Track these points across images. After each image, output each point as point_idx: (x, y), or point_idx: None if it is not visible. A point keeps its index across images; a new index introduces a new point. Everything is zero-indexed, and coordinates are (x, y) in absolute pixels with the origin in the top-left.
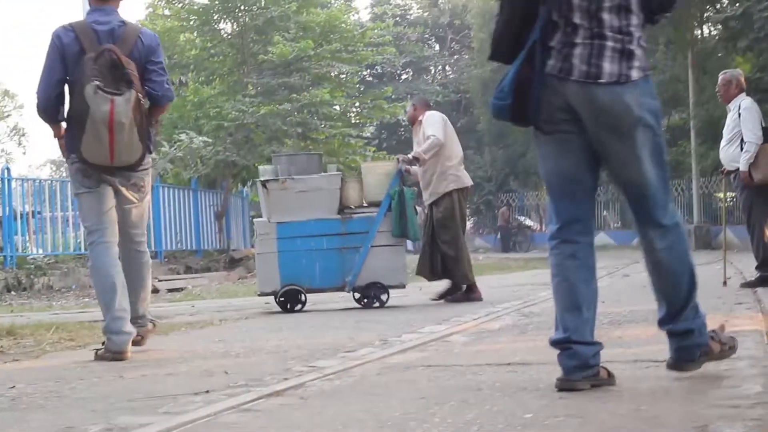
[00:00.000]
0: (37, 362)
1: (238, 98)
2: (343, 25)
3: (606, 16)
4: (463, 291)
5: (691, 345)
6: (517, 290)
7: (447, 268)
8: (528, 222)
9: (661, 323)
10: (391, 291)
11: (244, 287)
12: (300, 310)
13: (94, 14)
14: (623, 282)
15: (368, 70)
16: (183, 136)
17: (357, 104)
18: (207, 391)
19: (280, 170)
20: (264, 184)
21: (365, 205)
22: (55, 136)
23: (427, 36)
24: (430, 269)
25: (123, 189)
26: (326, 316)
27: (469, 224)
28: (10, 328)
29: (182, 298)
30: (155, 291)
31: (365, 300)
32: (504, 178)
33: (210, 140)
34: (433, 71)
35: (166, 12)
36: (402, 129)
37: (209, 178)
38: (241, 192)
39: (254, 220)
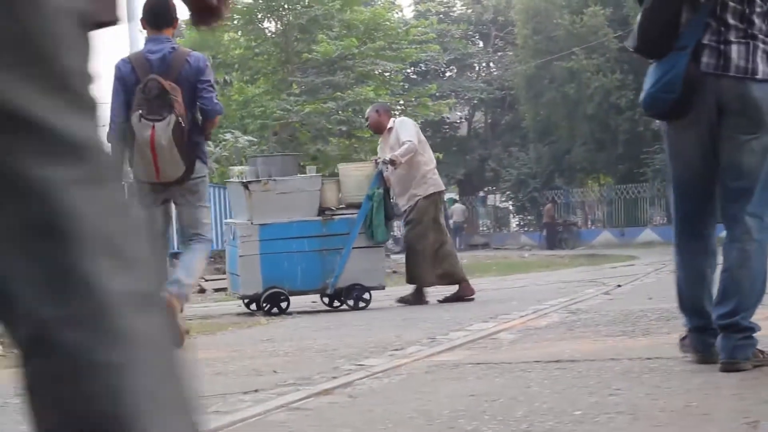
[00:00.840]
0: None
1: (283, 97)
2: (386, 22)
3: (756, 20)
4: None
5: (746, 345)
6: (563, 287)
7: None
8: (574, 219)
9: (725, 317)
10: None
11: None
12: (281, 314)
13: (149, 44)
14: (670, 278)
15: (412, 68)
16: (228, 136)
17: (401, 102)
18: (256, 390)
19: (259, 172)
20: (246, 185)
21: (342, 206)
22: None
23: (470, 33)
24: (439, 275)
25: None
26: (372, 315)
27: (514, 221)
28: None
29: (228, 297)
30: (202, 291)
31: (349, 302)
32: (549, 174)
33: (255, 139)
34: (477, 68)
35: None
36: (446, 126)
37: None
38: None
39: (230, 222)
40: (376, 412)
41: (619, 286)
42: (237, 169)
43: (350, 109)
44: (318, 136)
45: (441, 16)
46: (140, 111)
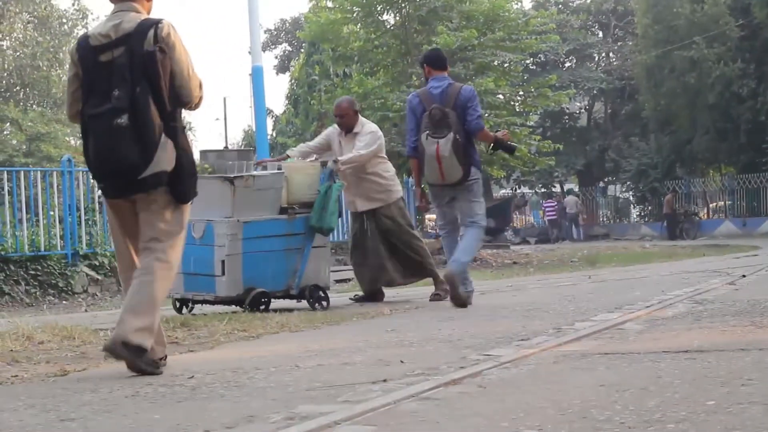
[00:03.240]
0: (213, 353)
1: (402, 89)
2: (506, 13)
3: None
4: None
5: None
6: (687, 277)
7: (422, 267)
8: (695, 209)
9: None
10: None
11: None
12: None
13: (432, 82)
14: None
15: (531, 59)
16: None
17: (521, 93)
18: (385, 380)
19: (216, 167)
20: (232, 180)
21: (288, 205)
22: (412, 167)
23: (590, 23)
24: (402, 274)
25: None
26: (493, 306)
27: (634, 212)
28: (184, 319)
29: (350, 288)
30: None
31: (317, 303)
32: (670, 165)
33: None
34: (596, 58)
35: (329, 4)
36: (566, 117)
37: None
38: (406, 182)
39: (225, 220)
40: (507, 402)
41: (743, 276)
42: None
43: None
44: None
45: (560, 6)
46: (427, 131)
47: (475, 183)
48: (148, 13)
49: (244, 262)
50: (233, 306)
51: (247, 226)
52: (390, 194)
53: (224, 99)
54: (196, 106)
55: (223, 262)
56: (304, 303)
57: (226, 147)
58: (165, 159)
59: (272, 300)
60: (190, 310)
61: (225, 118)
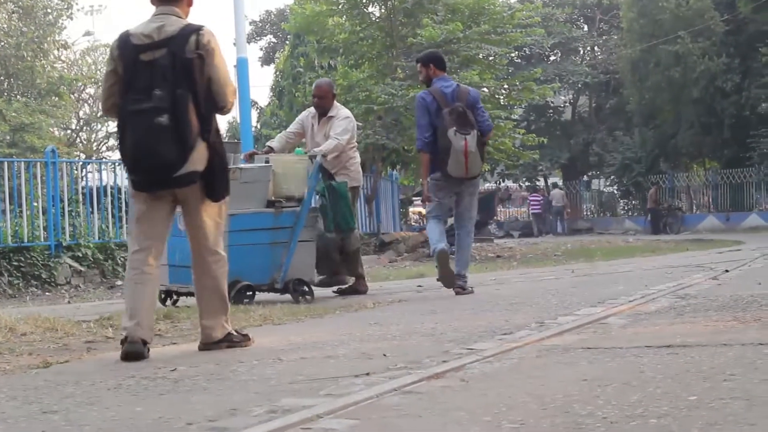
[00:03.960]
0: (195, 345)
1: (387, 81)
2: (491, 6)
3: None
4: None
5: None
6: (671, 272)
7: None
8: (678, 203)
9: None
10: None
11: (395, 270)
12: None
13: (439, 81)
14: None
15: (516, 52)
16: None
17: (506, 86)
18: (367, 374)
19: None
20: None
21: (275, 199)
22: (423, 161)
23: (575, 16)
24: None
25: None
26: (477, 299)
27: (618, 206)
28: (168, 311)
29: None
30: None
31: (302, 297)
32: (654, 159)
33: (360, 124)
34: (581, 52)
35: None
36: (551, 111)
37: None
38: (390, 175)
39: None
40: (489, 396)
41: (726, 271)
42: None
43: None
44: None
45: None
46: (454, 127)
47: (481, 177)
48: (186, 17)
49: (230, 254)
50: None
51: (233, 218)
52: (350, 180)
53: None
54: (228, 110)
55: None
56: (287, 296)
57: None
58: (198, 159)
59: (256, 293)
60: (174, 302)
61: None
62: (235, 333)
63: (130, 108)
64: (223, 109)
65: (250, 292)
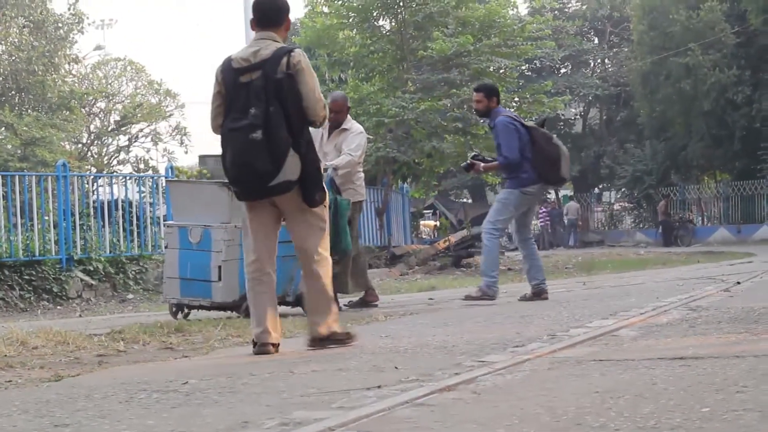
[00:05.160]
0: (207, 358)
1: (398, 94)
2: (502, 19)
3: None
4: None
5: None
6: (682, 284)
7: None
8: (689, 215)
9: None
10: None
11: (406, 283)
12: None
13: (502, 111)
14: None
15: (527, 65)
16: None
17: (516, 99)
18: (379, 386)
19: (214, 171)
20: (229, 186)
21: None
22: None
23: (585, 29)
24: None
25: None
26: (489, 311)
27: (629, 218)
28: (179, 325)
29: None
30: None
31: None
32: (665, 171)
33: (370, 137)
34: (592, 64)
35: (325, 9)
36: (561, 123)
37: (370, 174)
38: (401, 188)
39: (222, 225)
40: (501, 408)
41: (738, 283)
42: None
43: (465, 107)
44: (433, 133)
45: (556, 12)
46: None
47: None
48: (284, 40)
49: (241, 268)
50: (229, 312)
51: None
52: (355, 194)
53: None
54: (320, 123)
55: (219, 267)
56: (298, 309)
57: None
58: (291, 169)
59: None
60: (186, 316)
61: None
62: (339, 332)
63: (230, 126)
64: (314, 123)
65: None
